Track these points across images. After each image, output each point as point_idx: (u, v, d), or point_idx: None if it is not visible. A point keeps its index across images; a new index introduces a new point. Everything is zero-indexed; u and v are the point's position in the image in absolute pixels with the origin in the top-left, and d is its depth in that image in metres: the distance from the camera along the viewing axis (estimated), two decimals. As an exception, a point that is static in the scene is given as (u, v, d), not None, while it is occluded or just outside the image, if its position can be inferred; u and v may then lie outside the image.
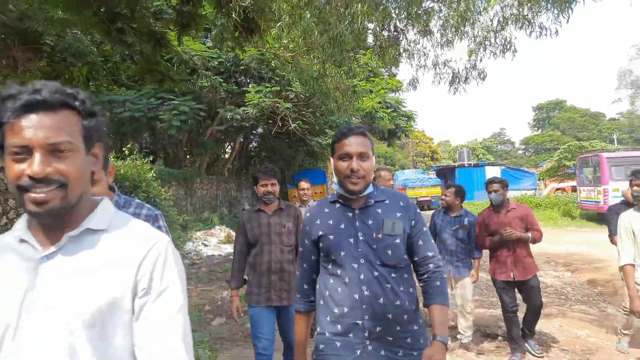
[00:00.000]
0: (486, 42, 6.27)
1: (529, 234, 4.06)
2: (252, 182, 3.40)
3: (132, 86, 12.64)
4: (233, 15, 4.57)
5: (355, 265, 1.72)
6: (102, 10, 6.49)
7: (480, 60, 7.14)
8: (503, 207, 4.19)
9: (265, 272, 3.10)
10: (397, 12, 6.09)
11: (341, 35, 4.84)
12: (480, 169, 26.98)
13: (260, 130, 15.89)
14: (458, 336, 4.47)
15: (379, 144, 40.43)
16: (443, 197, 4.63)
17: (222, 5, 4.98)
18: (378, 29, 6.66)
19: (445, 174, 30.74)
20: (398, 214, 1.77)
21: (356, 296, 1.70)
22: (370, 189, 1.79)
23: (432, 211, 10.81)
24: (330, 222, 1.80)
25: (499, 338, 4.68)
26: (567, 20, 5.39)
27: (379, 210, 1.77)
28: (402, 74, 48.04)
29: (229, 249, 11.84)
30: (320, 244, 1.80)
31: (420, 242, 1.79)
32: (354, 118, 14.99)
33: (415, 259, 1.79)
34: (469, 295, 4.38)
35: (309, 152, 19.23)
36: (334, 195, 1.89)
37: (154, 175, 10.82)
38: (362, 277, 1.70)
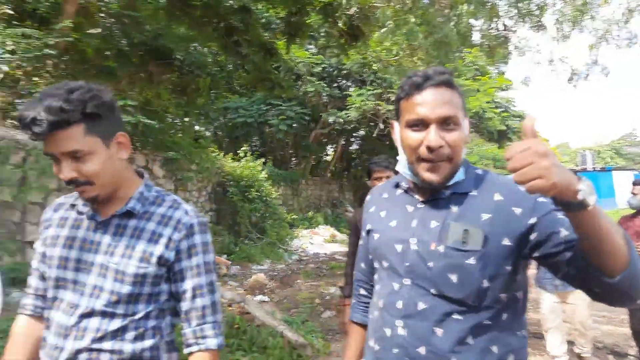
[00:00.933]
0: (608, 36, 5.67)
1: None
2: (365, 176, 3.11)
3: (244, 93, 13.68)
4: (339, 24, 4.78)
5: (397, 286, 1.14)
6: (221, 25, 7.21)
7: (601, 56, 6.47)
8: None
9: None
10: (506, 9, 5.79)
11: (447, 37, 4.76)
12: (607, 173, 24.03)
13: (361, 132, 16.09)
14: (576, 350, 4.11)
15: (487, 146, 38.15)
16: None
17: (328, 14, 5.23)
18: (485, 28, 6.40)
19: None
20: (484, 216, 1.06)
21: (387, 332, 1.14)
22: (460, 175, 1.13)
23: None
24: (382, 213, 1.26)
25: (630, 358, 4.22)
26: None
27: (454, 207, 1.11)
28: (512, 72, 44.87)
29: (332, 248, 12.20)
30: (368, 243, 1.31)
31: (563, 233, 1.00)
32: (459, 119, 14.44)
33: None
34: (585, 311, 3.93)
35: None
36: (400, 176, 1.26)
37: (265, 176, 11.61)
38: (399, 305, 1.12)
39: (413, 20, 4.84)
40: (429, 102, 1.07)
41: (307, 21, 6.87)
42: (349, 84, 14.48)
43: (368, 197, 1.39)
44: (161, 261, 1.14)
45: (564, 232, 0.99)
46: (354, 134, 17.35)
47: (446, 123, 1.06)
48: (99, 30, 6.03)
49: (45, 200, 5.75)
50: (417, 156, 1.09)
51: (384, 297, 1.17)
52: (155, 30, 6.80)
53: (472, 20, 5.98)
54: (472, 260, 1.04)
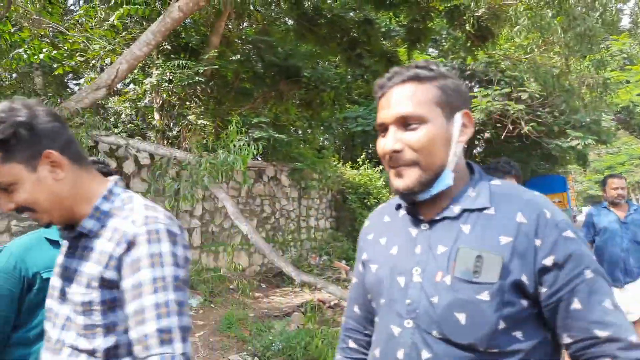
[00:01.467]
0: None
1: None
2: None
3: (363, 102, 13.92)
4: (467, 27, 4.63)
5: (397, 330, 0.92)
6: (344, 39, 7.49)
7: None
8: None
9: None
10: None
11: (590, 29, 4.28)
12: None
13: (487, 135, 15.19)
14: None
15: (637, 144, 32.89)
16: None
17: (454, 18, 5.09)
18: (637, 10, 5.61)
19: None
20: (503, 240, 0.86)
21: None
22: (445, 181, 0.94)
23: None
24: (382, 240, 1.04)
25: None
26: None
27: (466, 228, 0.91)
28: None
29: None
30: (364, 278, 1.07)
31: (575, 306, 0.83)
32: (604, 115, 12.78)
33: (567, 339, 0.85)
34: None
35: (544, 156, 17.24)
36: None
37: (383, 182, 11.68)
38: (400, 355, 0.90)
39: (550, 14, 4.45)
40: (390, 103, 0.94)
41: (430, 26, 6.78)
42: (473, 85, 13.78)
43: (366, 222, 1.16)
44: (104, 283, 0.94)
45: (576, 305, 0.83)
46: (479, 136, 16.44)
47: (406, 123, 0.91)
48: (238, 56, 6.72)
49: (193, 209, 6.58)
50: (384, 160, 0.96)
51: (382, 344, 0.95)
52: (286, 51, 7.35)
53: (620, 4, 5.28)
54: (485, 296, 0.83)
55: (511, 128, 11.50)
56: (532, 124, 11.08)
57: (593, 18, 4.57)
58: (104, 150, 5.37)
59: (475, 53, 6.92)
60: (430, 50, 13.48)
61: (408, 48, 8.29)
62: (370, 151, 17.18)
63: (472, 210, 0.91)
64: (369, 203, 10.87)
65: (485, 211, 0.90)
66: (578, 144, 11.68)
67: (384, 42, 8.62)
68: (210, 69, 6.68)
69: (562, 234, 0.85)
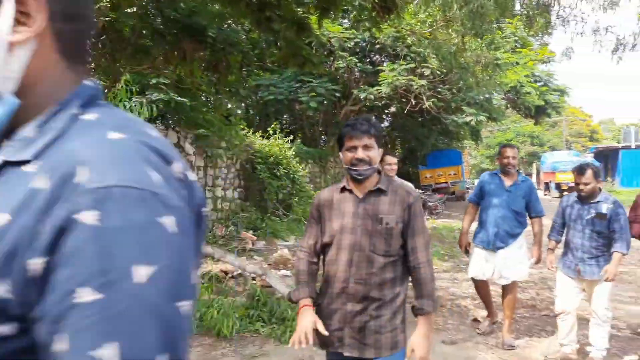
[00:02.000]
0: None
1: None
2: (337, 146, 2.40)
3: (276, 70, 13.67)
4: (372, -3, 4.65)
5: None
6: (253, 1, 7.14)
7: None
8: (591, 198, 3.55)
9: (336, 296, 1.93)
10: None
11: (482, 6, 4.56)
12: (653, 151, 22.82)
13: (392, 109, 15.85)
14: (588, 348, 3.73)
15: (524, 122, 36.80)
16: (581, 185, 3.55)
17: (361, -14, 5.09)
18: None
19: (607, 157, 26.75)
20: None
21: None
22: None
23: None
24: None
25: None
26: None
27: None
28: (555, 44, 42.52)
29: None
30: None
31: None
32: (495, 94, 13.96)
33: None
34: (606, 300, 3.54)
35: (443, 131, 18.53)
36: None
37: (293, 153, 11.71)
38: None
39: (448, -10, 4.67)
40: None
41: (339, -6, 6.73)
42: (382, 58, 14.18)
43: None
44: None
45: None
46: (386, 111, 17.11)
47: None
48: (135, 9, 6.12)
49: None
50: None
51: None
52: (189, 8, 6.84)
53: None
54: None
55: (414, 103, 12.11)
56: (432, 99, 11.77)
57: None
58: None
59: (382, 26, 7.06)
60: (344, 21, 13.53)
61: (319, 16, 8.20)
62: (282, 121, 17.08)
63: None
64: (278, 173, 10.83)
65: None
66: (472, 120, 12.68)
67: (297, 8, 8.42)
68: (103, 22, 6.02)
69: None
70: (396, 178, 4.02)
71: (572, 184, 3.76)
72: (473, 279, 4.29)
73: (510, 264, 3.99)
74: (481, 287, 4.31)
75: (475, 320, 4.64)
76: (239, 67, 7.09)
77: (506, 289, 4.12)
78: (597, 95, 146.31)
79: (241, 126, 9.71)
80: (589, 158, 26.90)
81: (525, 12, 5.62)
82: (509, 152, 4.04)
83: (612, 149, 27.79)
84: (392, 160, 4.22)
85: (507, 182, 4.03)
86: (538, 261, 4.05)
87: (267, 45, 12.78)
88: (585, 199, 3.56)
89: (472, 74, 8.12)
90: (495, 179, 4.13)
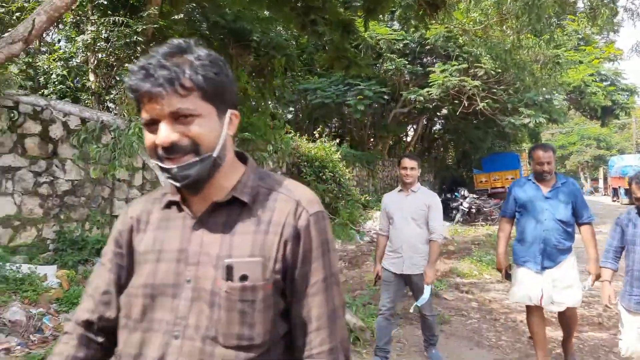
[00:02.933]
0: None
1: None
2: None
3: (324, 74, 13.63)
4: (417, -7, 4.44)
5: None
6: (298, 5, 7.13)
7: None
8: (548, 181, 3.27)
9: None
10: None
11: (539, -1, 4.20)
12: None
13: (444, 111, 15.32)
14: None
15: (589, 124, 34.43)
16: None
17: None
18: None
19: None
20: None
21: None
22: None
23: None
24: None
25: None
26: None
27: None
28: (623, 41, 39.50)
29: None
30: None
31: None
32: (556, 94, 13.10)
33: None
34: None
35: (500, 134, 17.68)
36: None
37: (340, 156, 11.59)
38: None
39: (501, -17, 4.34)
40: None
41: (386, -6, 6.54)
42: (433, 60, 13.75)
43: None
44: None
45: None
46: (437, 113, 16.58)
47: None
48: (182, 15, 6.28)
49: (131, 178, 6.21)
50: None
51: None
52: (234, 13, 6.93)
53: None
54: None
55: (467, 104, 11.60)
56: (487, 100, 11.21)
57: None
58: (25, 112, 4.89)
59: (431, 25, 6.79)
60: (393, 22, 13.26)
61: (366, 17, 8.04)
62: (330, 125, 17.03)
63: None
64: (324, 177, 10.76)
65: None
66: (530, 121, 11.95)
67: (341, 10, 8.33)
68: (152, 29, 6.22)
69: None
70: (418, 185, 3.63)
71: None
72: (527, 307, 3.48)
73: (561, 286, 3.27)
74: (534, 314, 3.45)
75: (532, 337, 4.27)
76: (283, 70, 7.07)
77: (563, 315, 3.46)
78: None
79: (287, 129, 9.73)
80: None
81: (589, 3, 5.12)
82: (544, 156, 3.28)
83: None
84: (410, 163, 3.55)
85: (545, 188, 3.34)
86: (597, 277, 3.23)
87: (316, 50, 12.79)
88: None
89: (529, 73, 7.60)
90: (530, 187, 3.41)
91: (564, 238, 3.28)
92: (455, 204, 14.37)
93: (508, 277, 3.56)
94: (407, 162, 3.56)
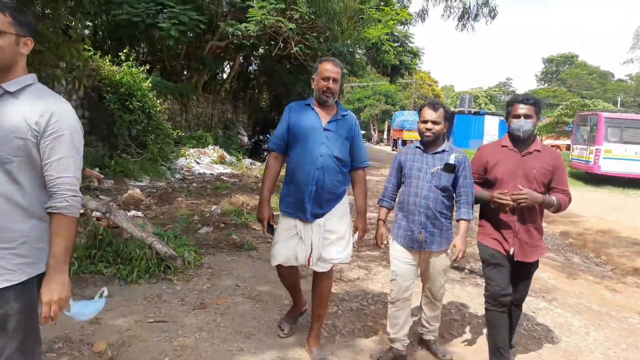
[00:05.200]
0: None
1: (553, 198, 2.67)
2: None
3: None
4: None
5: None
6: None
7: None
8: (525, 144, 2.71)
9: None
10: None
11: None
12: (480, 117, 26.78)
13: (261, 51, 15.41)
14: (421, 329, 3.05)
15: (381, 80, 39.51)
16: (429, 124, 2.72)
17: None
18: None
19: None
20: None
21: None
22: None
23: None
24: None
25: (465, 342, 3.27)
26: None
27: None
28: (414, 7, 45.69)
29: (220, 169, 12.00)
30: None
31: None
32: (358, 48, 14.53)
33: None
34: (442, 277, 2.83)
35: (309, 82, 18.79)
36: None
37: (150, 85, 10.67)
38: None
39: None
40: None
41: None
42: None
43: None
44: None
45: None
46: (254, 52, 16.55)
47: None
48: None
49: None
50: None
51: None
52: None
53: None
54: None
55: (282, 47, 11.92)
56: (300, 45, 11.72)
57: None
58: None
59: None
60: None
61: None
62: (138, 49, 15.27)
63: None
64: (131, 106, 9.82)
65: None
66: (335, 71, 13.02)
67: None
68: None
69: None
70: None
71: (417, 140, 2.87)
72: (279, 267, 2.86)
73: (332, 238, 2.72)
74: (289, 275, 2.94)
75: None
76: (82, -27, 5.98)
77: (320, 278, 2.82)
78: (442, 62, 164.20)
79: (86, 46, 8.41)
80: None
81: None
82: (331, 70, 2.66)
83: (450, 112, 31.67)
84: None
85: (325, 118, 2.71)
86: (364, 233, 2.88)
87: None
88: (429, 144, 2.75)
89: (338, 23, 8.25)
90: (309, 113, 2.73)
91: (339, 180, 2.72)
92: (267, 145, 15.04)
93: (271, 229, 2.82)
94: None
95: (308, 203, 2.67)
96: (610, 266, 6.09)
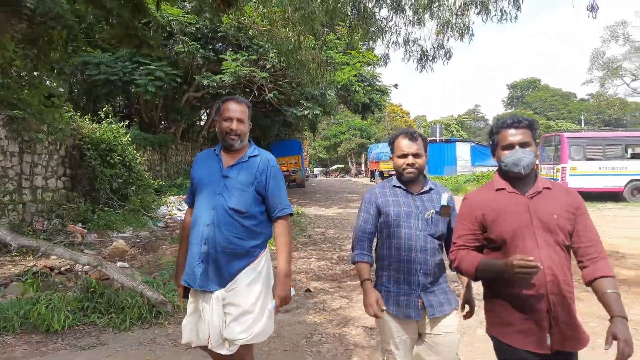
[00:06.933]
0: (449, 25, 6.68)
1: (611, 283, 1.79)
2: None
3: (108, 49, 12.54)
4: (211, -11, 4.81)
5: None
6: (80, -28, 6.52)
7: (447, 40, 7.58)
8: (527, 183, 1.89)
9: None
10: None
11: (313, 12, 5.14)
12: (451, 144, 27.82)
13: (236, 98, 15.96)
14: None
15: (353, 117, 40.81)
16: (410, 157, 2.18)
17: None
18: (349, 8, 6.96)
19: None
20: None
21: None
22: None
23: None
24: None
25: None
26: (519, 9, 5.88)
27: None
28: (380, 49, 48.00)
29: (203, 213, 12.18)
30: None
31: None
32: (330, 90, 15.30)
33: None
34: (456, 348, 2.15)
35: (285, 123, 19.48)
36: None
37: (129, 139, 11.01)
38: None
39: (283, -6, 5.11)
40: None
41: (178, -21, 6.64)
42: (225, 47, 14.21)
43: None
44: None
45: None
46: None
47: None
48: None
49: None
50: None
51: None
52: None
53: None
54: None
55: (257, 94, 12.54)
56: (274, 92, 12.36)
57: (317, 4, 5.47)
58: None
59: (222, 17, 7.21)
60: (185, 3, 13.10)
61: (157, -3, 7.90)
62: (115, 104, 15.71)
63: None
64: (112, 161, 10.10)
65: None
66: (309, 113, 13.73)
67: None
68: None
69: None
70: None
71: (392, 173, 2.29)
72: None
73: (235, 313, 2.19)
74: (214, 356, 2.31)
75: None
76: (65, 44, 6.42)
77: None
78: (414, 95, 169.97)
79: (67, 108, 8.78)
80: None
81: (348, 23, 6.48)
82: (234, 109, 2.26)
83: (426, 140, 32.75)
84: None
85: (228, 162, 2.29)
86: (284, 302, 2.27)
87: (98, 21, 11.63)
88: (412, 183, 2.20)
89: (307, 72, 8.87)
90: (210, 160, 2.36)
91: (239, 237, 2.20)
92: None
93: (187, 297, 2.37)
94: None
95: (198, 267, 2.19)
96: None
